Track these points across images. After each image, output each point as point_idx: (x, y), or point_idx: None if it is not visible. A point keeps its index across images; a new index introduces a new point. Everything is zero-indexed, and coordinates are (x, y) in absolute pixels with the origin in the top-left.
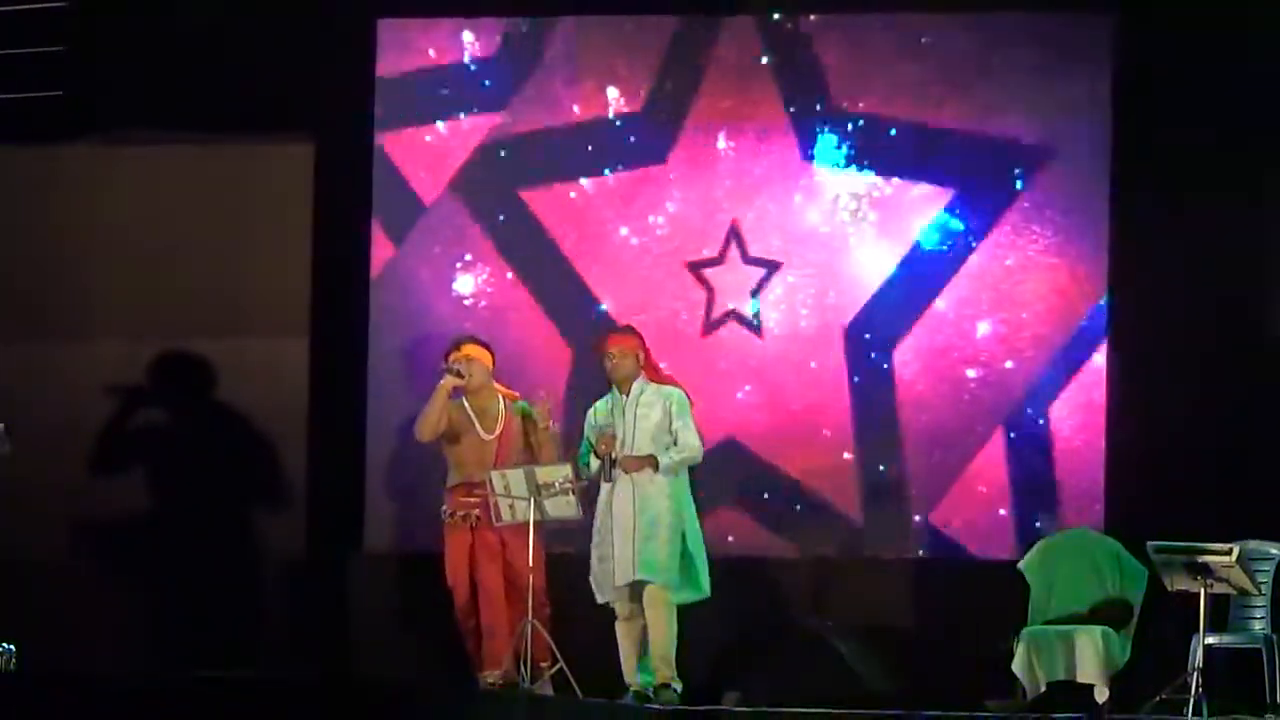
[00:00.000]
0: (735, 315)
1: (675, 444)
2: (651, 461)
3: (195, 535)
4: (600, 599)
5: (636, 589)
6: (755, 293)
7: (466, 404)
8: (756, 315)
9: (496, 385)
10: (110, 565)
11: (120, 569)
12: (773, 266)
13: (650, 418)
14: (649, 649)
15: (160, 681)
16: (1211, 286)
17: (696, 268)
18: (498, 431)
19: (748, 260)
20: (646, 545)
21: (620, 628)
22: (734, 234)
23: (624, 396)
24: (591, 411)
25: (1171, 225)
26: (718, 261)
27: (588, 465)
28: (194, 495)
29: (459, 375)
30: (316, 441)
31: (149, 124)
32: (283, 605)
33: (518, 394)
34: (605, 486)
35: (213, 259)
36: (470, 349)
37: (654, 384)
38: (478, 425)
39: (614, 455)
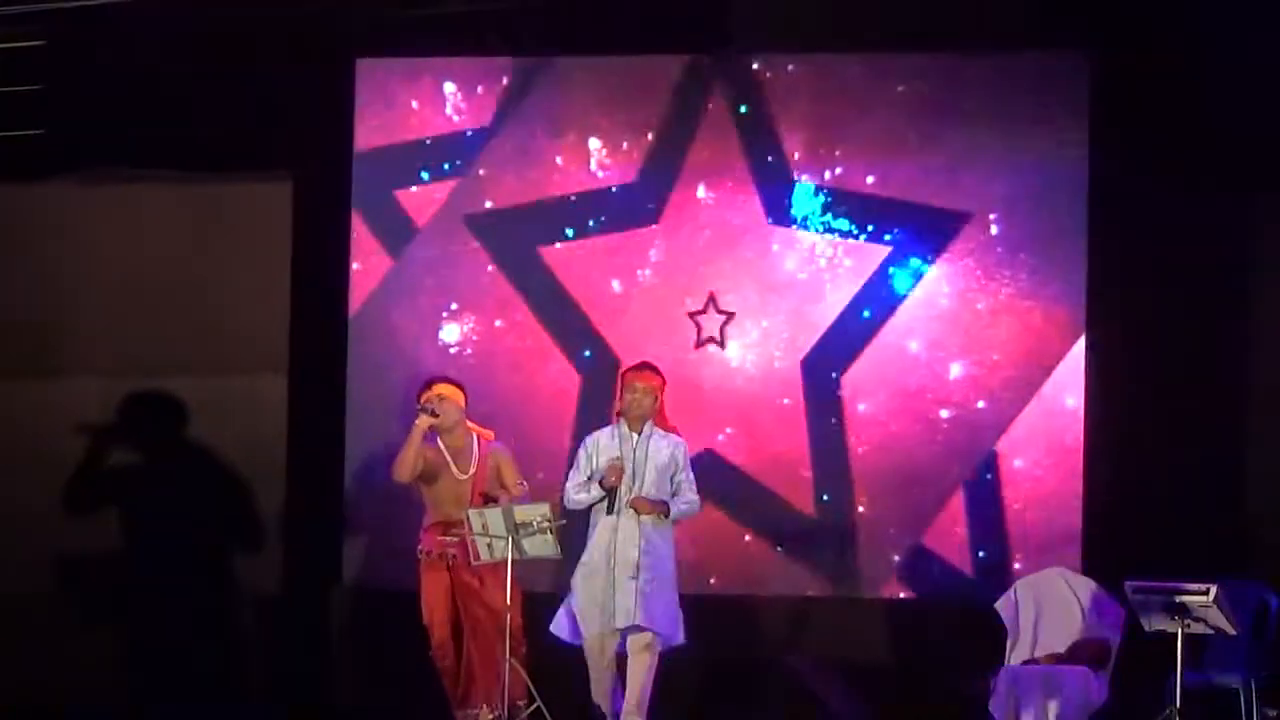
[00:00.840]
0: (716, 361)
1: (678, 494)
2: (664, 507)
3: (173, 571)
4: (571, 638)
5: (624, 633)
6: (739, 337)
7: (441, 444)
8: (739, 360)
9: (470, 424)
10: (86, 601)
11: (96, 604)
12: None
13: (662, 458)
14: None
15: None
16: (1189, 328)
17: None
18: (472, 471)
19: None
20: (651, 592)
21: (596, 667)
22: (712, 302)
23: (634, 434)
24: (592, 442)
25: (1148, 268)
26: (700, 312)
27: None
28: (172, 531)
29: (433, 414)
30: (295, 477)
31: (127, 162)
32: (261, 641)
33: (491, 433)
34: (605, 522)
35: (191, 296)
36: (442, 388)
37: (661, 430)
38: (452, 465)
39: (623, 494)
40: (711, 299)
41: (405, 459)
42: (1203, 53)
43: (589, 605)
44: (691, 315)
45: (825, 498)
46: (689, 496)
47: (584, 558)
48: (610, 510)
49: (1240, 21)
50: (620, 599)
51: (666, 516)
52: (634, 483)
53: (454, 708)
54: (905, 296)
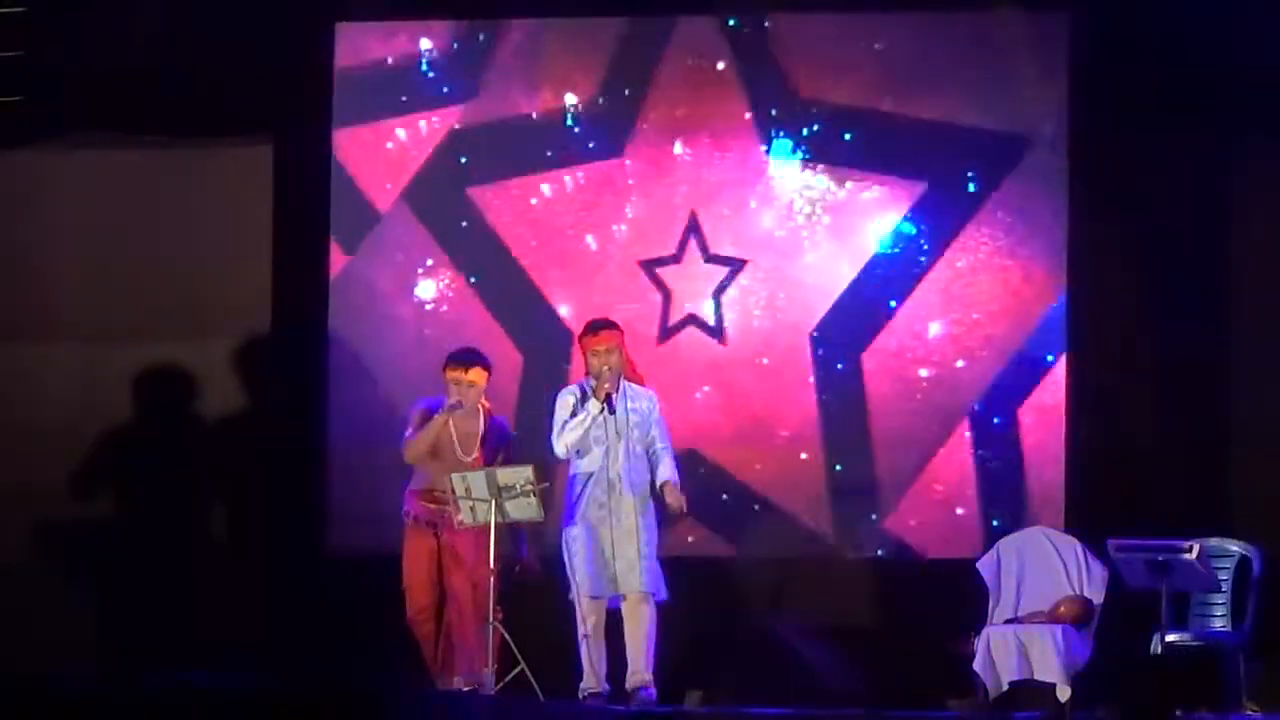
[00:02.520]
0: (693, 319)
1: (658, 458)
2: (682, 499)
3: (155, 537)
4: (589, 594)
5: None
6: (716, 295)
7: (453, 425)
8: (716, 317)
9: (482, 402)
10: (68, 567)
11: (78, 571)
12: (735, 265)
13: (641, 412)
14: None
15: (117, 685)
16: (1170, 286)
17: (655, 265)
18: (475, 455)
19: (709, 259)
20: (649, 554)
21: (593, 631)
22: (693, 230)
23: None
24: (567, 391)
25: (1130, 226)
26: (675, 260)
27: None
28: (154, 497)
29: (459, 407)
30: (277, 443)
31: (107, 127)
32: (243, 607)
33: (489, 405)
34: (599, 482)
35: (172, 261)
36: (475, 374)
37: (630, 382)
38: (458, 447)
39: (614, 396)
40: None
41: (419, 446)
42: (1183, 8)
43: (586, 566)
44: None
45: (803, 456)
46: (669, 459)
47: (575, 518)
48: (611, 410)
49: None
50: (620, 564)
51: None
52: (625, 441)
53: (432, 675)
54: (884, 255)
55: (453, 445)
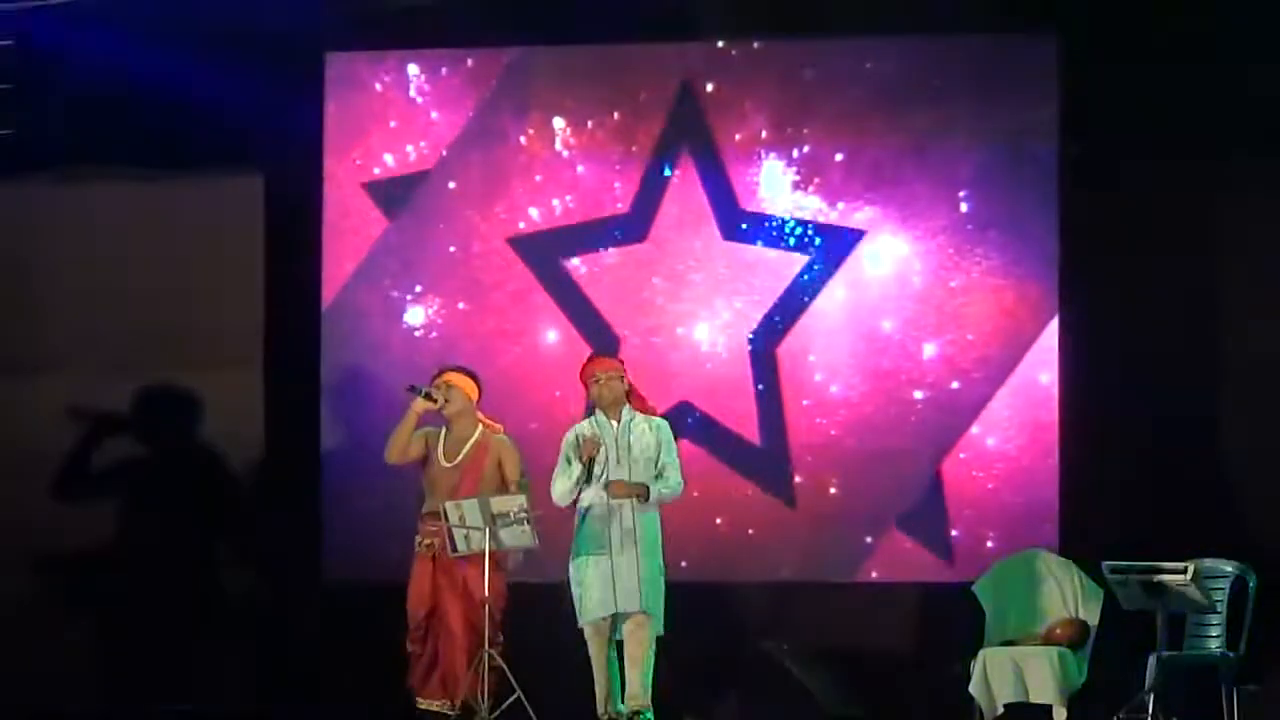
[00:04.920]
0: (682, 338)
1: (661, 477)
2: (641, 490)
3: (150, 567)
4: (588, 619)
5: (620, 617)
6: (702, 317)
7: (442, 431)
8: (702, 339)
9: (480, 415)
10: (63, 598)
11: (73, 602)
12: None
13: (645, 442)
14: (623, 677)
15: (115, 716)
16: (1161, 304)
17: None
18: (458, 460)
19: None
20: (648, 576)
21: (598, 654)
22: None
23: (613, 422)
24: (573, 435)
25: (1120, 245)
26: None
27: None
28: (149, 527)
29: (429, 399)
30: (271, 473)
31: (100, 160)
32: (240, 636)
33: (500, 426)
34: (596, 510)
35: (165, 293)
36: (452, 376)
37: (640, 412)
38: (440, 452)
39: (600, 469)
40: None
41: (395, 440)
42: (1170, 30)
43: (590, 591)
44: None
45: (798, 480)
46: (674, 479)
47: (576, 547)
48: (588, 480)
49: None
50: (623, 584)
51: (645, 499)
52: (627, 469)
53: (415, 692)
54: (878, 276)
55: (438, 454)
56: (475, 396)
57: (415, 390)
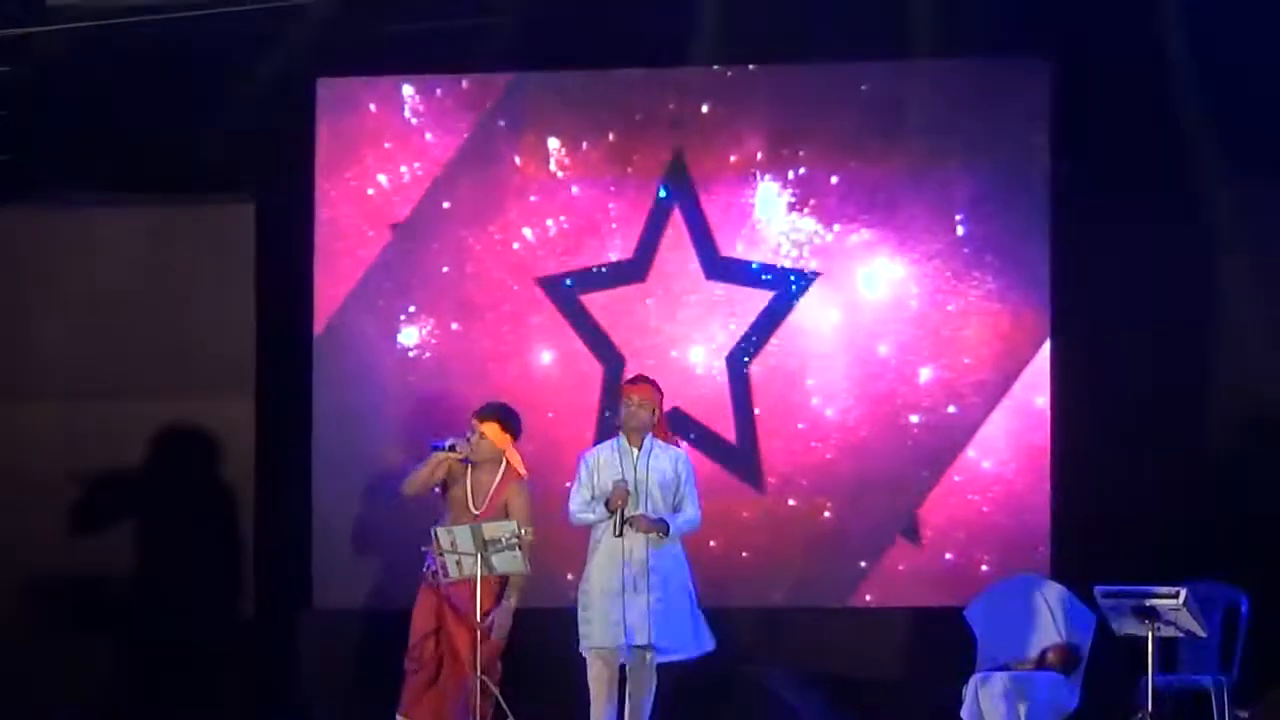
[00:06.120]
0: (675, 360)
1: (680, 509)
2: (663, 526)
3: (142, 595)
4: (594, 645)
5: (629, 649)
6: (695, 340)
7: (469, 473)
8: (706, 364)
9: (510, 456)
10: (55, 625)
11: (65, 629)
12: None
13: (663, 473)
14: (624, 705)
15: None
16: (1153, 329)
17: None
18: (484, 509)
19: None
20: (661, 610)
21: (596, 683)
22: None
23: (634, 449)
24: (593, 457)
25: (1112, 267)
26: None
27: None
28: (141, 555)
29: (454, 450)
30: (263, 500)
31: (91, 186)
32: (231, 664)
33: (524, 472)
34: (610, 539)
35: (156, 320)
36: (487, 428)
37: (661, 442)
38: (470, 496)
39: (626, 511)
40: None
41: (415, 481)
42: (1161, 53)
43: (598, 623)
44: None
45: (792, 503)
46: (690, 513)
47: (588, 574)
48: (617, 533)
49: (1197, 24)
50: (631, 616)
51: (666, 534)
52: (637, 499)
53: (401, 709)
54: (873, 299)
55: (466, 496)
56: (506, 444)
57: (451, 447)
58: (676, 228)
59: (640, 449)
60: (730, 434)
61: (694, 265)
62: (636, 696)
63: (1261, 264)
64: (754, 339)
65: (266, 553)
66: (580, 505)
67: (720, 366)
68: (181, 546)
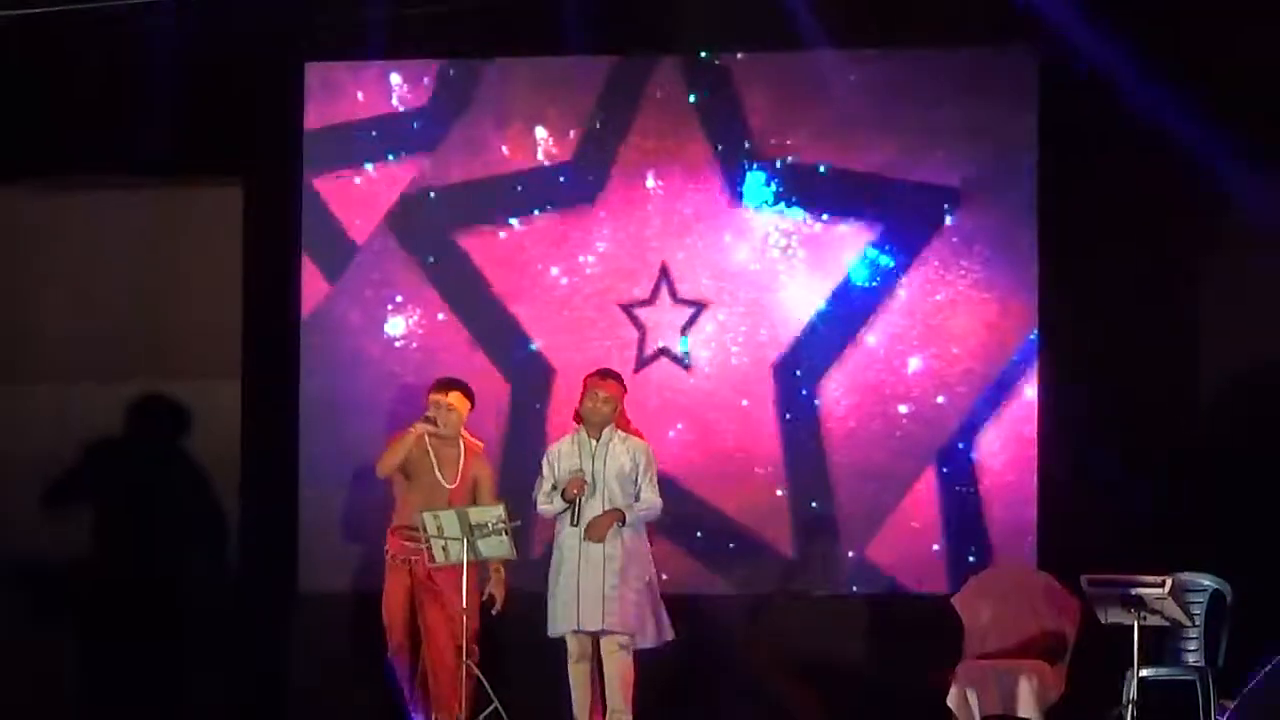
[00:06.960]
0: (666, 353)
1: (639, 498)
2: (618, 515)
3: (127, 578)
4: (553, 633)
5: (594, 634)
6: (685, 331)
7: (430, 447)
8: (687, 354)
9: (464, 433)
10: (37, 607)
11: (49, 611)
12: (701, 306)
13: (620, 464)
14: (604, 693)
15: None
16: (1141, 319)
17: (627, 309)
18: (456, 483)
19: (677, 301)
20: (614, 595)
21: (573, 670)
22: (664, 275)
23: (593, 440)
24: (554, 451)
25: (1100, 258)
26: (648, 302)
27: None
28: (126, 538)
29: (433, 423)
30: (249, 483)
31: (78, 169)
32: (216, 648)
33: (481, 445)
34: (571, 529)
35: (143, 302)
36: (453, 397)
37: (621, 433)
38: (438, 472)
39: (583, 501)
40: (666, 274)
41: (390, 459)
42: (1149, 44)
43: (560, 608)
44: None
45: (779, 493)
46: (648, 499)
47: (553, 559)
48: (574, 522)
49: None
50: (586, 602)
51: (623, 524)
52: (594, 490)
53: (408, 711)
54: (862, 289)
55: (432, 469)
56: (467, 414)
57: (427, 418)
58: (664, 217)
59: (599, 440)
60: (719, 425)
61: (682, 254)
62: (611, 680)
63: (1251, 257)
64: (742, 330)
65: (252, 536)
66: (543, 496)
67: (708, 357)
68: (166, 530)
